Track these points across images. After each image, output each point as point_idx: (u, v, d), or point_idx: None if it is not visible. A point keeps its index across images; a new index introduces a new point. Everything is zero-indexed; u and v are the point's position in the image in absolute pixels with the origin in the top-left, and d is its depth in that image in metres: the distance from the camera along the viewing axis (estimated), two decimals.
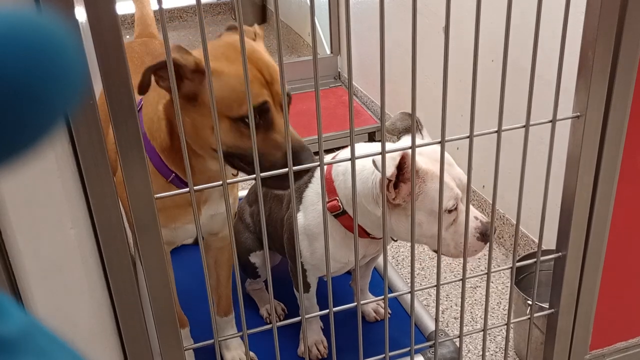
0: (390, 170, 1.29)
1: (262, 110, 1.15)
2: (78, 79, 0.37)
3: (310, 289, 1.69)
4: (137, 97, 1.28)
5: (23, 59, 0.33)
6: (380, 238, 1.52)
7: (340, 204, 1.47)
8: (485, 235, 1.38)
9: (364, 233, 1.49)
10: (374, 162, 1.29)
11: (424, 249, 2.32)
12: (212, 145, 1.17)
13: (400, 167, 1.31)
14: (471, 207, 1.36)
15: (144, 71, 1.07)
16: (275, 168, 1.11)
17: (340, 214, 1.48)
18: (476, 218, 1.39)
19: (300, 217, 1.54)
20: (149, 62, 1.30)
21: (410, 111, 1.18)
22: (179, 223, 1.39)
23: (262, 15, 4.68)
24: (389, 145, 1.38)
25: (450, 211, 1.36)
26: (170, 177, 1.30)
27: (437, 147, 1.16)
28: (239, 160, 1.20)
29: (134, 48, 1.77)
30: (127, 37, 3.42)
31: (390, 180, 1.32)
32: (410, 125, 1.43)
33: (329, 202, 1.47)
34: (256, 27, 1.33)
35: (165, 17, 0.91)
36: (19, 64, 0.33)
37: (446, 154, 1.36)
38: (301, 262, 1.58)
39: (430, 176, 1.34)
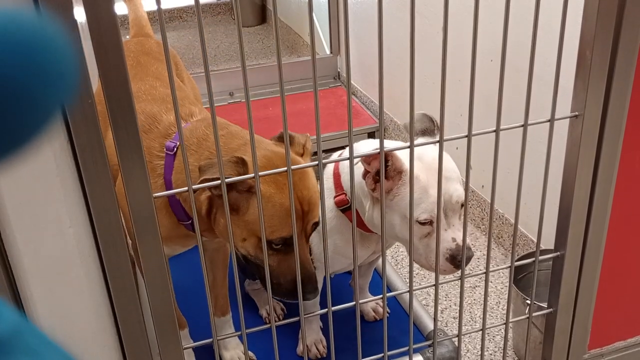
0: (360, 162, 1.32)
1: (286, 241, 1.23)
2: (71, 77, 0.37)
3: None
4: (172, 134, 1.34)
5: (16, 57, 0.33)
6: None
7: (347, 197, 1.48)
8: (455, 259, 1.33)
9: (367, 228, 1.50)
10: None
11: None
12: (239, 250, 1.26)
13: (386, 162, 1.31)
14: (456, 225, 1.35)
15: (199, 181, 1.10)
16: (280, 289, 1.24)
17: (347, 208, 1.49)
18: (453, 240, 1.34)
19: None
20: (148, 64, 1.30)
21: (416, 112, 1.18)
22: (178, 246, 1.45)
23: (262, 16, 4.68)
24: (390, 143, 1.39)
25: (423, 223, 1.34)
26: (185, 222, 1.35)
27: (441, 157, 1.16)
28: (253, 267, 1.29)
29: (130, 47, 1.78)
30: (127, 37, 3.41)
31: (368, 172, 1.34)
32: (429, 127, 1.43)
33: (337, 196, 1.49)
34: (307, 138, 1.32)
35: (163, 17, 0.92)
36: (12, 62, 0.33)
37: (453, 167, 1.36)
38: (310, 259, 1.58)
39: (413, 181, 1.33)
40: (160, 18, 0.90)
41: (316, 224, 1.28)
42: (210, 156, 1.25)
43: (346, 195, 1.49)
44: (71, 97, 0.37)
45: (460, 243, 1.33)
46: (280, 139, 1.32)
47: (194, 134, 1.32)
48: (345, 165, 1.49)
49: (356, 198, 1.41)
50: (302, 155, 1.31)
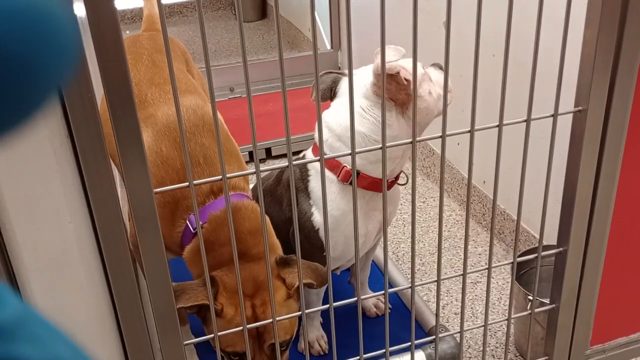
0: (394, 57, 1.41)
1: (242, 357, 1.31)
2: (71, 47, 0.36)
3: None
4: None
5: (13, 26, 0.32)
6: (396, 182, 1.60)
7: (349, 167, 1.47)
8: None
9: (379, 185, 1.48)
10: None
11: (424, 244, 2.32)
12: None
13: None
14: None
15: (177, 308, 1.16)
16: None
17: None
18: (435, 69, 1.54)
19: (318, 213, 1.53)
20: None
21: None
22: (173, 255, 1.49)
23: (263, 11, 4.67)
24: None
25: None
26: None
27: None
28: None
29: (142, 43, 1.78)
30: (128, 32, 3.39)
31: (398, 72, 1.39)
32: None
33: (339, 172, 1.48)
34: (299, 283, 1.26)
35: (164, 15, 0.91)
36: (10, 31, 0.32)
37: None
38: (324, 256, 1.57)
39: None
40: (162, 16, 0.90)
41: (280, 345, 1.31)
42: (220, 262, 1.35)
43: (347, 166, 1.48)
44: (72, 68, 0.36)
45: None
46: (282, 263, 1.36)
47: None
48: (328, 131, 1.50)
49: (362, 141, 1.44)
50: (284, 283, 1.35)
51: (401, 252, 2.29)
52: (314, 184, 1.54)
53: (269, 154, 2.88)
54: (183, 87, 1.61)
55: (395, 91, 1.42)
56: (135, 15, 4.56)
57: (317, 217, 1.53)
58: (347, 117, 1.46)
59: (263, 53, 4.07)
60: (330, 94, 1.57)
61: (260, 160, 2.84)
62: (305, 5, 3.90)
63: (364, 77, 1.47)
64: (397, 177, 1.59)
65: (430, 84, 1.48)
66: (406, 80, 1.40)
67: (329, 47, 3.47)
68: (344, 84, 1.56)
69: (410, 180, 1.27)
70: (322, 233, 1.53)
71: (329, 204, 1.50)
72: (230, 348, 1.31)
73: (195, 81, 1.80)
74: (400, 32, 2.65)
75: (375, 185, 1.49)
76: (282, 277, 1.35)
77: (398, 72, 1.39)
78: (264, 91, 3.23)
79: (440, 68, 1.56)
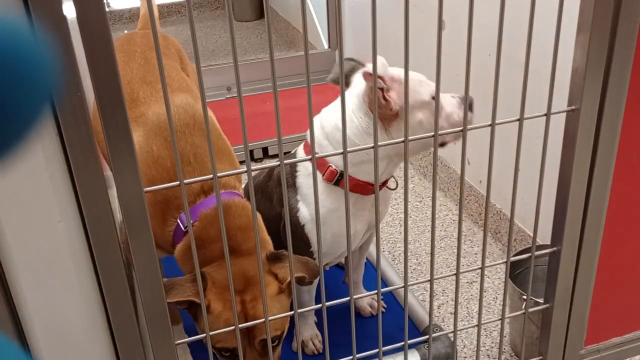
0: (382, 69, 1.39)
1: (232, 352, 1.31)
2: (51, 85, 0.35)
3: (314, 281, 1.68)
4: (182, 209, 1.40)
5: None
6: (387, 186, 1.60)
7: (334, 167, 1.47)
8: (462, 100, 1.46)
9: (369, 188, 1.48)
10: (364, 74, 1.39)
11: (420, 244, 2.32)
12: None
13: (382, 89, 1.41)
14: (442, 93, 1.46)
15: (168, 304, 1.16)
16: None
17: (340, 179, 1.48)
18: (452, 97, 1.48)
19: (304, 209, 1.53)
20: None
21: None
22: (165, 254, 1.51)
23: (261, 10, 4.67)
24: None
25: (433, 97, 1.41)
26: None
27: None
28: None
29: (136, 40, 1.77)
30: (125, 31, 3.40)
31: (382, 88, 1.40)
32: (355, 66, 1.54)
33: (324, 171, 1.48)
34: (291, 278, 1.26)
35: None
36: None
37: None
38: (311, 252, 1.57)
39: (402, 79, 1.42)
40: (151, 15, 0.89)
41: (268, 341, 1.28)
42: (210, 259, 1.36)
43: (331, 166, 1.47)
44: (50, 106, 0.36)
45: (456, 95, 1.49)
46: (273, 259, 1.35)
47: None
48: (323, 126, 1.50)
49: (350, 144, 1.43)
50: (275, 278, 1.34)
51: (397, 251, 2.29)
52: (302, 180, 1.54)
53: (265, 153, 2.88)
54: (175, 85, 1.61)
55: (381, 105, 1.42)
56: (133, 15, 4.56)
57: (303, 213, 1.53)
58: (338, 117, 1.46)
59: (261, 52, 4.07)
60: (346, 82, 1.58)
61: (256, 159, 2.84)
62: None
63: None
64: (384, 183, 1.58)
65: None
66: (385, 99, 1.40)
67: (326, 46, 3.47)
68: (356, 77, 1.55)
69: (402, 185, 1.27)
70: (307, 228, 1.54)
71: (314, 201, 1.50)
72: (220, 344, 1.30)
73: (190, 79, 1.79)
74: (398, 31, 2.65)
75: (359, 188, 1.49)
76: (273, 273, 1.34)
77: (388, 90, 1.39)
78: (261, 90, 3.23)
79: (454, 97, 1.53)
